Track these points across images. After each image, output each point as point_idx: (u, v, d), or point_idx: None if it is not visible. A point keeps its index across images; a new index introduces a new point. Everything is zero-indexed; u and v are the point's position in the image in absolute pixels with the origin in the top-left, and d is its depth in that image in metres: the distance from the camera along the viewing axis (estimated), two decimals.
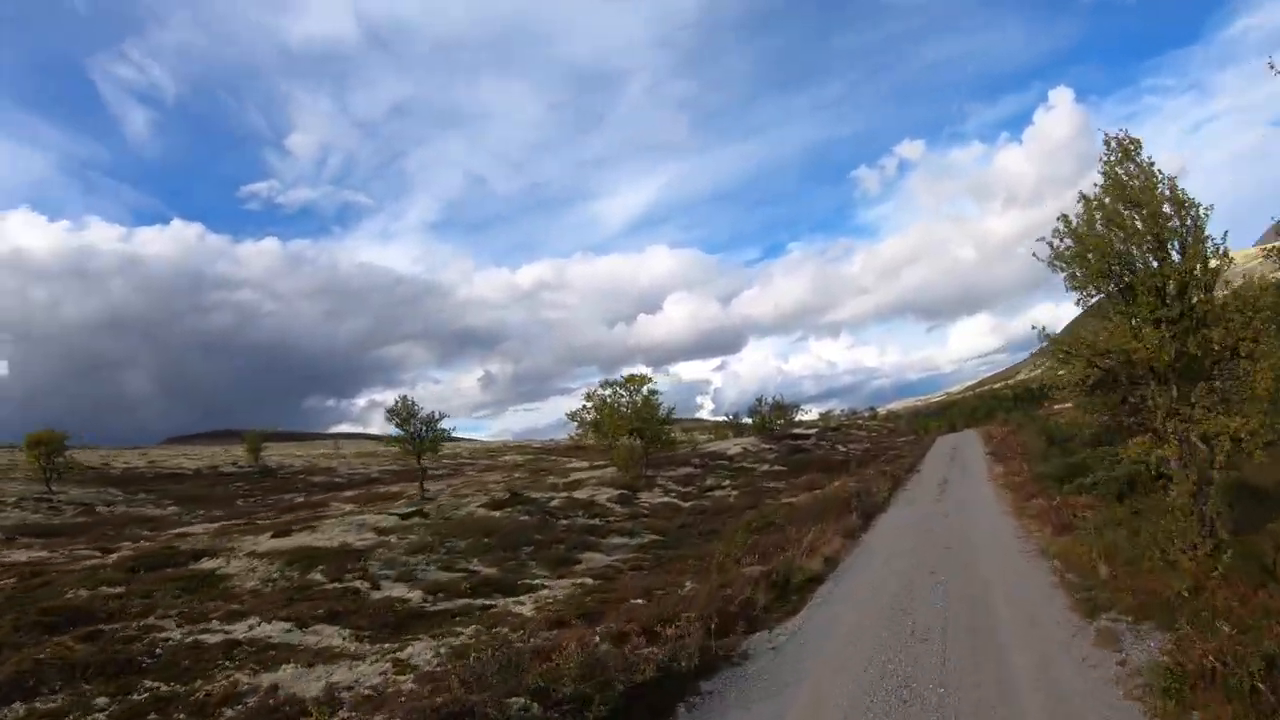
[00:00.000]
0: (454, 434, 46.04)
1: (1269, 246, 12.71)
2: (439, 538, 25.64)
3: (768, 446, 53.81)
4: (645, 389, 44.82)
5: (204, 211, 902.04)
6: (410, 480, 47.19)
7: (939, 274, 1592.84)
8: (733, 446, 54.14)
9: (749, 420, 63.29)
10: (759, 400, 63.14)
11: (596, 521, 30.98)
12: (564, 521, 30.73)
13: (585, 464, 52.11)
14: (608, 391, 45.11)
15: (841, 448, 55.46)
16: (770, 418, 63.25)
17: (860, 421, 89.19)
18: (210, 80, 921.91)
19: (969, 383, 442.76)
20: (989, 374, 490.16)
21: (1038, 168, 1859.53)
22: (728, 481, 41.48)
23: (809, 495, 32.70)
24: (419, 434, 42.26)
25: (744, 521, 26.61)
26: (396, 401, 43.07)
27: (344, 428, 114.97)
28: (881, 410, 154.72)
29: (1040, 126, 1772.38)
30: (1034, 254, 14.44)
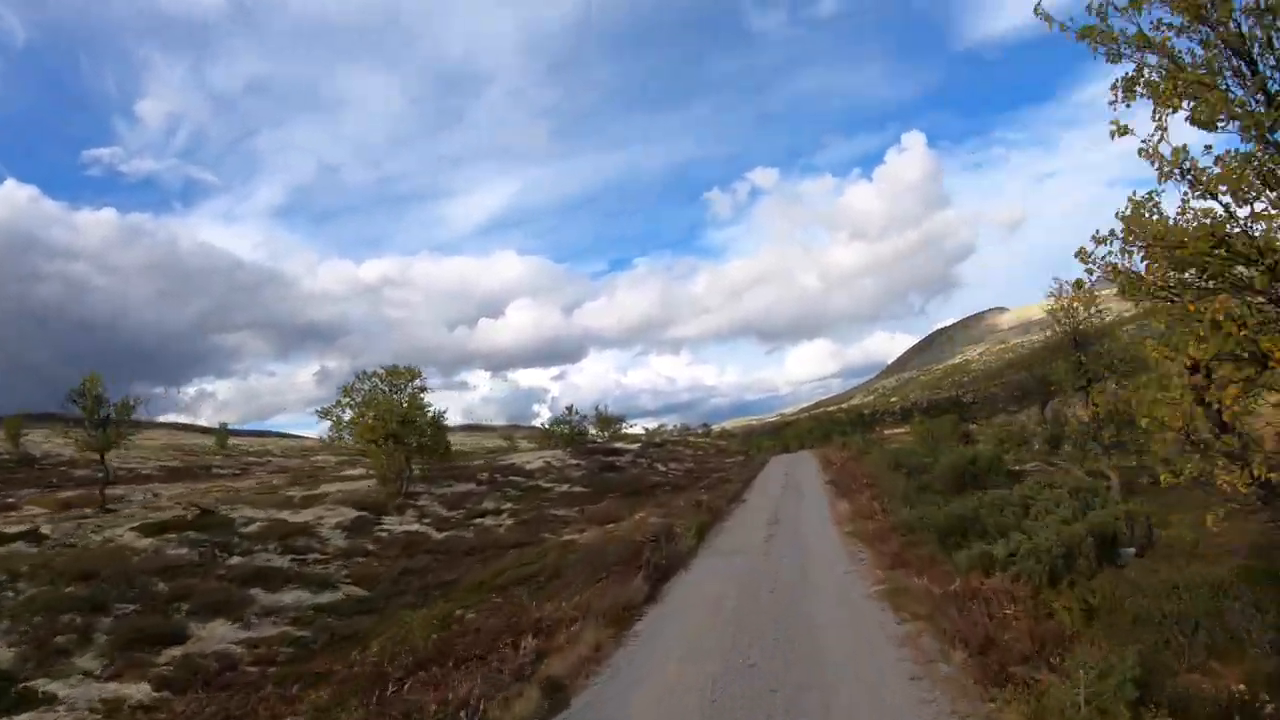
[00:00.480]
0: (281, 431, 35.71)
1: None
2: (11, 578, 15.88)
3: (576, 462, 45.22)
4: (413, 384, 35.37)
5: (42, 173, 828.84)
6: (196, 479, 37.52)
7: (782, 299, 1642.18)
8: (535, 459, 45.23)
9: (563, 429, 54.01)
10: (568, 409, 53.87)
11: (287, 561, 21.38)
12: (237, 559, 21.04)
13: (362, 472, 42.46)
14: (366, 385, 35.27)
15: (661, 467, 47.50)
16: (579, 429, 53.62)
17: (690, 438, 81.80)
18: (64, 32, 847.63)
19: (804, 405, 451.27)
20: (824, 397, 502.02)
21: (885, 205, 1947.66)
22: (509, 505, 32.42)
23: (599, 531, 24.15)
24: (102, 422, 31.30)
25: (480, 577, 17.97)
26: (83, 382, 31.92)
27: (171, 417, 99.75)
28: (716, 427, 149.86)
29: (891, 166, 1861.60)
30: None
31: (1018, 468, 32.57)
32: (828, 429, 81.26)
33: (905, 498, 22.93)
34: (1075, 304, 25.83)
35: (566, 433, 52.37)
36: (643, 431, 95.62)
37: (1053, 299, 26.43)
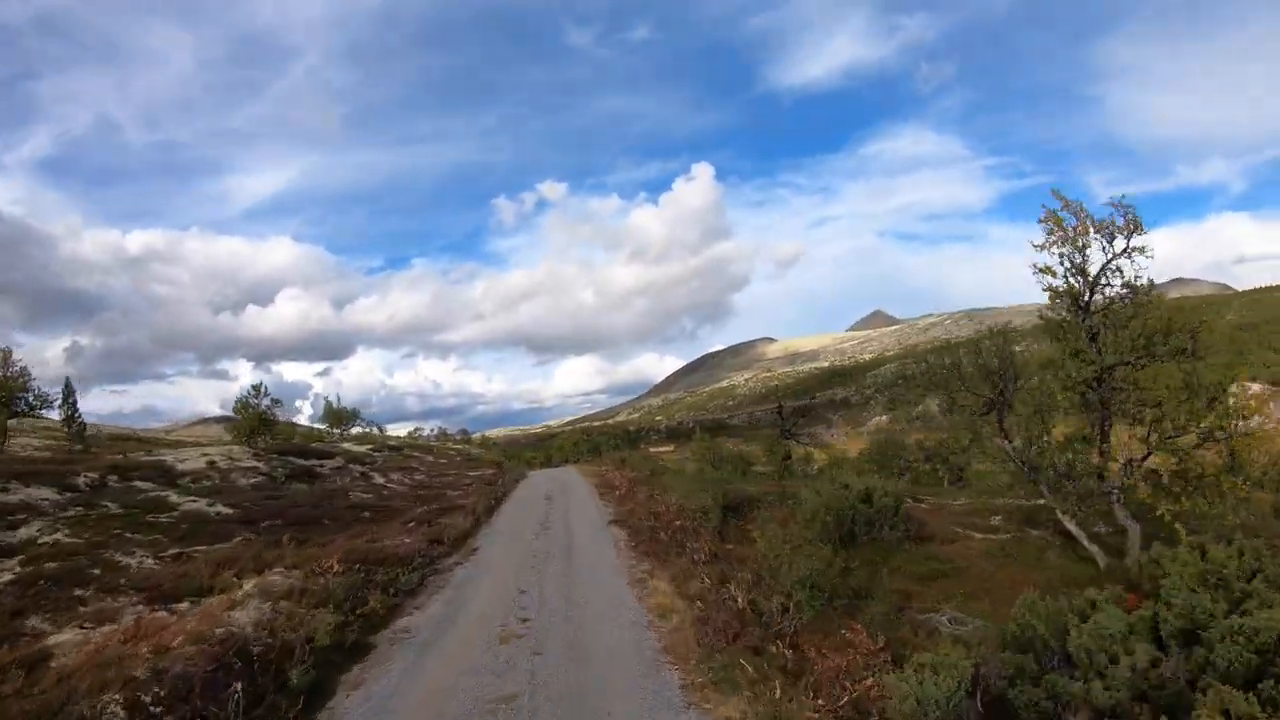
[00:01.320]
0: None
1: None
2: None
3: (254, 465, 31.66)
4: None
5: None
6: None
7: (557, 312, 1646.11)
8: (196, 458, 31.20)
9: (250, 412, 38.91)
10: (256, 388, 38.57)
11: None
12: None
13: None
14: None
15: (381, 479, 34.73)
16: (269, 415, 38.63)
17: (435, 445, 68.34)
18: None
19: (570, 418, 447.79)
20: (590, 412, 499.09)
21: (668, 230, 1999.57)
22: (52, 537, 18.79)
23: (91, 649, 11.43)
24: None
25: None
26: None
27: None
28: (477, 435, 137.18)
29: (678, 193, 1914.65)
30: None
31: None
32: (596, 443, 70.78)
33: (784, 560, 12.05)
34: None
35: (252, 418, 37.39)
36: (399, 435, 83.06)
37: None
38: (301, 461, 34.27)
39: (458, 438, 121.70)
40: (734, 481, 30.57)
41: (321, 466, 34.37)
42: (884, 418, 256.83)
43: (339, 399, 51.65)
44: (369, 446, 49.29)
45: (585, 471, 43.27)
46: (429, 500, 29.07)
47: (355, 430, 61.05)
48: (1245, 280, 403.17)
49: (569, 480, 39.62)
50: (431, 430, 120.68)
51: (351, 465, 36.12)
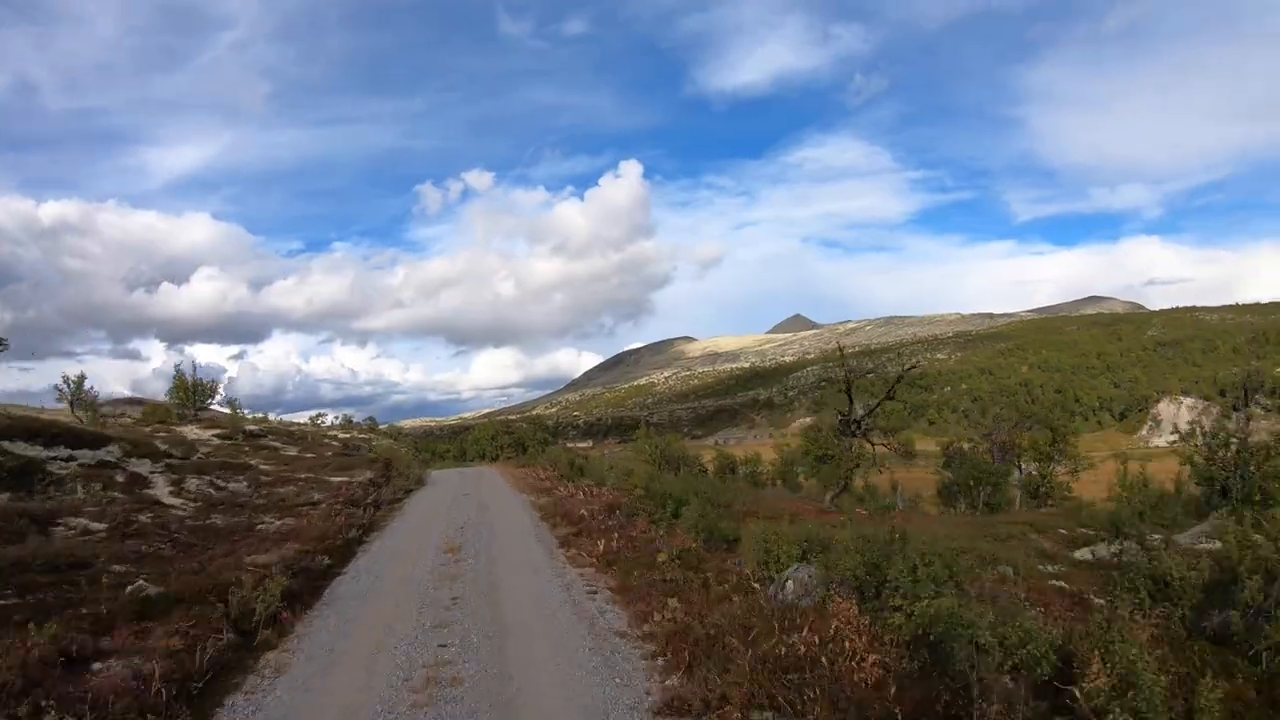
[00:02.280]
0: None
1: None
2: None
3: None
4: None
5: None
6: None
7: (476, 303, 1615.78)
8: None
9: None
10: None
11: None
12: None
13: None
14: None
15: (167, 491, 20.96)
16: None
17: (310, 432, 53.45)
18: None
19: (486, 410, 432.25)
20: (506, 405, 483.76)
21: (593, 226, 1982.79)
22: None
23: None
24: None
25: None
26: None
27: None
28: (385, 425, 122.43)
29: (604, 190, 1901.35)
30: None
31: None
32: (519, 437, 57.58)
33: None
34: None
35: None
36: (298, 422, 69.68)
37: None
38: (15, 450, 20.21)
39: (363, 426, 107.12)
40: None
41: (62, 463, 20.54)
42: (809, 419, 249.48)
43: (194, 368, 37.61)
44: (216, 432, 35.57)
45: (513, 478, 30.58)
46: (225, 539, 15.75)
47: (260, 415, 47.04)
48: (1154, 301, 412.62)
49: (488, 485, 26.98)
50: (335, 418, 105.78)
51: (131, 463, 22.33)
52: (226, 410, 46.13)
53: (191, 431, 34.88)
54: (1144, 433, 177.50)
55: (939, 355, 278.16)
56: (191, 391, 43.31)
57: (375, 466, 30.56)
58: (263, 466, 26.38)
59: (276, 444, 34.76)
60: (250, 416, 51.29)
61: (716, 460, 48.23)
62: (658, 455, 43.49)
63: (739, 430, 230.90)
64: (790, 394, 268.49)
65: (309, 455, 33.18)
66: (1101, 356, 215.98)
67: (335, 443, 47.20)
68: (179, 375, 37.44)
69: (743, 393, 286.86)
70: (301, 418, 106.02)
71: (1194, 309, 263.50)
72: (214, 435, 34.49)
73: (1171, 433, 25.67)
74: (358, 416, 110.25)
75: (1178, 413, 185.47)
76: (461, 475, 36.16)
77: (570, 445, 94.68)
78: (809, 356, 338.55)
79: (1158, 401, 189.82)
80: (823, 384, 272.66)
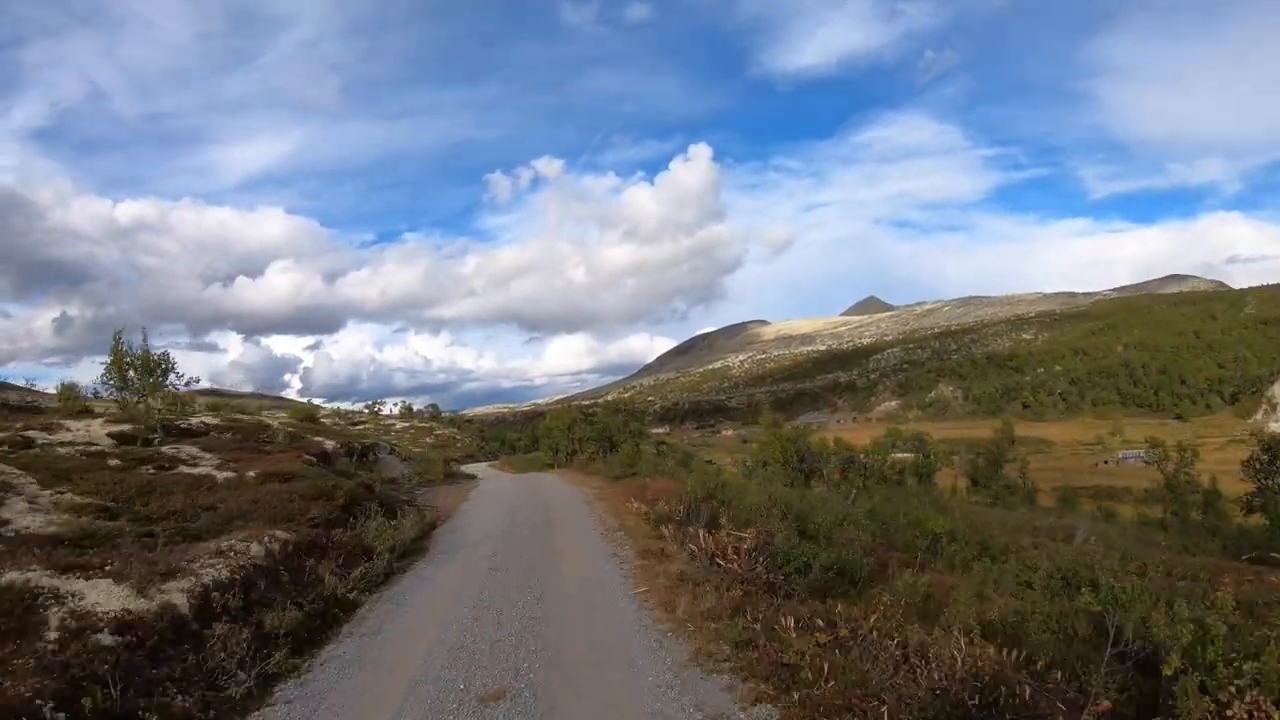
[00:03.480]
0: None
1: None
2: None
3: None
4: None
5: None
6: None
7: (548, 290, 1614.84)
8: None
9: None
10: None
11: None
12: None
13: None
14: None
15: None
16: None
17: (292, 429, 39.22)
18: None
19: (559, 396, 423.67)
20: (579, 390, 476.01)
21: (663, 210, 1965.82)
22: None
23: None
24: None
25: None
26: None
27: None
28: (448, 413, 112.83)
29: (674, 174, 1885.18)
30: None
31: None
32: (603, 428, 45.47)
33: None
34: None
35: None
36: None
37: None
38: None
39: (424, 414, 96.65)
40: None
41: None
42: (894, 403, 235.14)
43: (144, 337, 25.11)
44: (116, 430, 23.54)
45: (603, 510, 18.53)
46: None
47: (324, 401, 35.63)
48: (1237, 280, 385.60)
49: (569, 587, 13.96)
50: (394, 406, 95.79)
51: None
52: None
53: (78, 427, 22.71)
54: (1259, 416, 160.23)
55: (1025, 335, 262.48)
56: (141, 370, 28.63)
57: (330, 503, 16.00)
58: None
59: (197, 451, 21.78)
60: (234, 403, 40.19)
61: (837, 453, 35.38)
62: (790, 451, 31.23)
63: (820, 414, 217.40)
64: (872, 377, 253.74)
65: (228, 471, 19.24)
66: (1200, 335, 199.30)
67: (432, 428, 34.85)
68: (116, 349, 25.46)
69: (821, 376, 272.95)
70: (387, 407, 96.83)
71: None
72: (108, 433, 22.16)
73: None
74: (418, 404, 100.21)
75: None
76: (512, 496, 24.08)
77: (648, 432, 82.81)
78: (887, 338, 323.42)
79: (1273, 382, 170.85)
80: (905, 366, 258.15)
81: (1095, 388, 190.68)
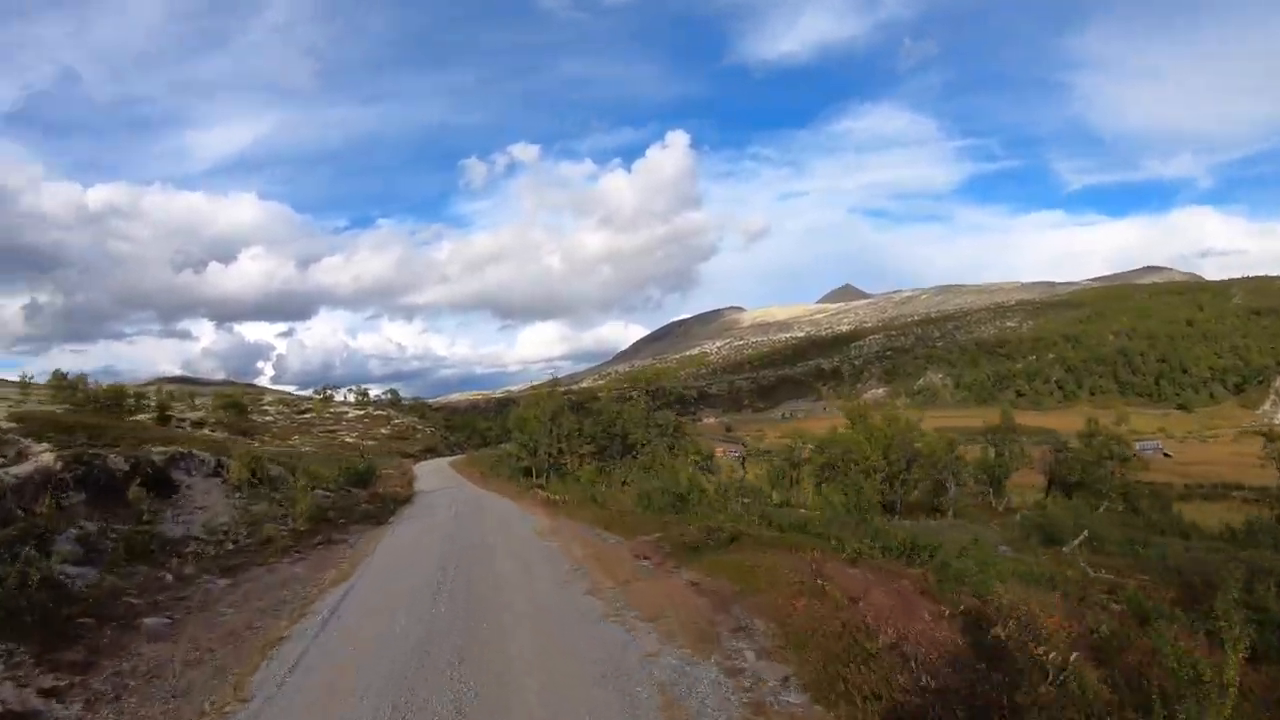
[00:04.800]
0: None
1: None
2: None
3: None
4: None
5: None
6: None
7: (522, 276, 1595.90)
8: None
9: None
10: None
11: None
12: None
13: None
14: None
15: None
16: None
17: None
18: None
19: (533, 383, 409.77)
20: (552, 377, 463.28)
21: (640, 198, 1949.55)
22: None
23: None
24: None
25: None
26: None
27: None
28: (407, 400, 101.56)
29: (651, 161, 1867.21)
30: None
31: None
32: (611, 420, 34.60)
33: None
34: None
35: None
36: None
37: None
38: None
39: (381, 402, 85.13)
40: None
41: None
42: (881, 390, 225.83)
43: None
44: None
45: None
46: None
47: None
48: (1210, 273, 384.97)
49: None
50: (346, 394, 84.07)
51: None
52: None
53: None
54: (1267, 407, 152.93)
55: (1009, 323, 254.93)
56: None
57: None
58: None
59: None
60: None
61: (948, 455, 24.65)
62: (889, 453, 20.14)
63: (804, 402, 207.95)
64: (856, 364, 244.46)
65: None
66: (1194, 324, 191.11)
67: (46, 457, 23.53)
68: None
69: (802, 363, 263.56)
70: (340, 394, 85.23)
71: (1271, 278, 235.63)
72: None
73: None
74: (376, 390, 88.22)
75: None
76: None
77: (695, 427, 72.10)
78: (867, 325, 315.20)
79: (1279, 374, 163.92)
80: (889, 353, 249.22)
81: (1092, 375, 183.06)
